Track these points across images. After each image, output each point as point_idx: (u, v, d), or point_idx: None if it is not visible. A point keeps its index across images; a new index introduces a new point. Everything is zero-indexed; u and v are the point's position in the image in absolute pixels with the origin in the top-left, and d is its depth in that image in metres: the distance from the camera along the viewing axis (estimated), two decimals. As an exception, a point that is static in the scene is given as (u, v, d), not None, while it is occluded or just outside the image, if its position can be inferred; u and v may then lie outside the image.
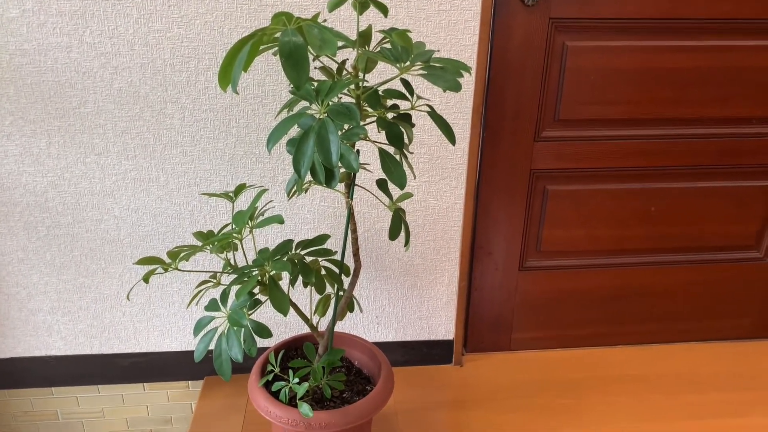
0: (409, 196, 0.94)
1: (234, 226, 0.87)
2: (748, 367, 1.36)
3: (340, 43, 0.68)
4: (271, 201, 1.17)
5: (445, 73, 0.64)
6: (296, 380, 0.93)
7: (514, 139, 1.21)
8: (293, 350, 1.07)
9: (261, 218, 0.88)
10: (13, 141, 1.08)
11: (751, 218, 1.34)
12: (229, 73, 0.59)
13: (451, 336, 1.35)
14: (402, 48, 0.69)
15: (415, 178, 1.18)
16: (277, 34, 0.60)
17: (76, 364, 1.28)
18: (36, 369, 1.28)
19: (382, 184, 0.92)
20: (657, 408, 1.22)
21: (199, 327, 0.88)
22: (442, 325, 1.34)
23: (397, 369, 1.34)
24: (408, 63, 0.67)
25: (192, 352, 1.29)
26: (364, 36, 0.75)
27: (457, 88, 0.63)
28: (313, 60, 0.73)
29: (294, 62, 0.57)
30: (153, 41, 1.03)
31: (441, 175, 1.19)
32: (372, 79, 1.06)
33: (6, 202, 1.13)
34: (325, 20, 0.89)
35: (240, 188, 0.94)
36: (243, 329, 0.84)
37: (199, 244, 0.89)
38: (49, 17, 1.00)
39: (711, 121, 1.24)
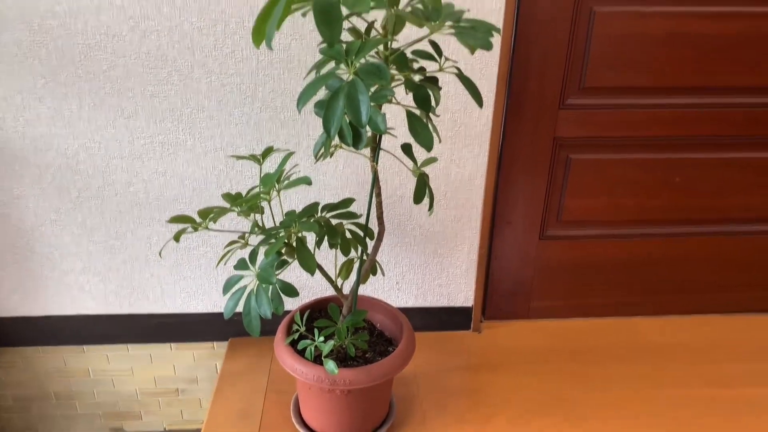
0: (434, 160, 0.94)
1: (262, 188, 0.89)
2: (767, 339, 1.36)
3: (371, 3, 0.68)
4: (296, 165, 1.18)
5: (476, 32, 0.64)
6: (321, 339, 0.96)
7: (539, 106, 1.20)
8: (317, 312, 1.10)
9: (287, 181, 0.90)
10: (45, 103, 1.10)
11: (777, 191, 1.33)
12: (263, 28, 0.60)
13: (470, 303, 1.37)
14: (432, 8, 0.69)
15: (440, 141, 1.19)
16: (310, -8, 0.60)
17: (107, 323, 1.32)
18: (68, 327, 1.32)
19: (407, 149, 0.92)
20: (674, 376, 1.23)
21: (228, 285, 0.91)
22: (462, 292, 1.36)
23: (416, 334, 1.35)
24: (438, 22, 0.67)
25: (217, 314, 1.33)
26: (394, -4, 0.75)
27: (488, 46, 0.63)
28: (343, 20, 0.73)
29: (327, 18, 0.58)
30: (180, 3, 1.04)
31: (464, 143, 1.19)
32: (396, 45, 1.05)
33: (39, 164, 1.15)
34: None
35: (267, 151, 0.95)
36: (271, 287, 0.86)
37: (228, 206, 0.91)
38: (79, -20, 1.01)
39: (739, 89, 1.22)
